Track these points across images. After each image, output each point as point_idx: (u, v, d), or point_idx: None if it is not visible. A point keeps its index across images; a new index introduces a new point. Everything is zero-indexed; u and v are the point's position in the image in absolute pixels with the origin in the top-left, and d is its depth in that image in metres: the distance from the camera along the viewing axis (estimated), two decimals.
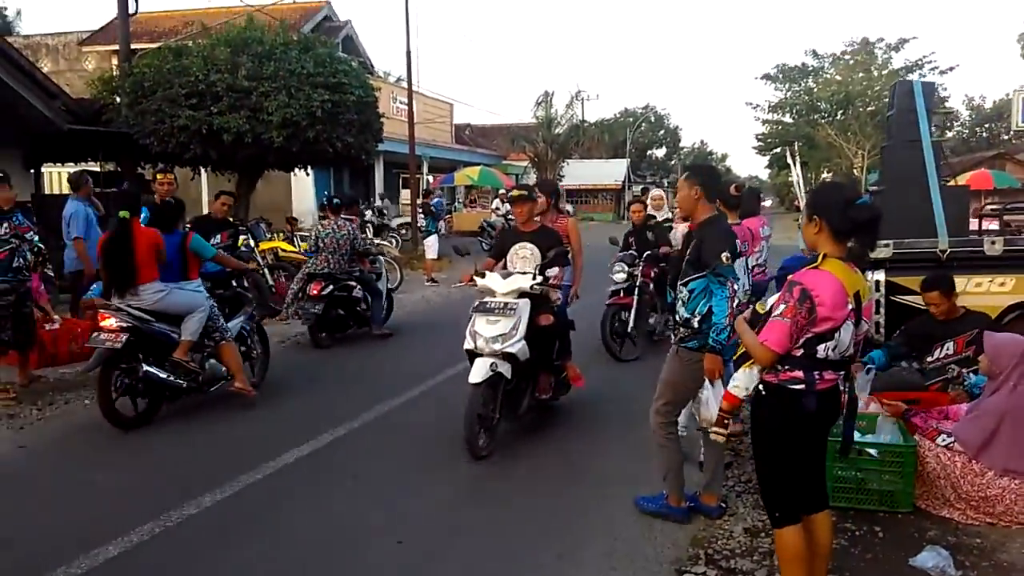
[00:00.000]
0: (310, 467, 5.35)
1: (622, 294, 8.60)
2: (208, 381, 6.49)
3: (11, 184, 7.01)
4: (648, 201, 9.96)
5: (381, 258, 10.79)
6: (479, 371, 5.29)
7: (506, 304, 5.54)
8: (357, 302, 9.80)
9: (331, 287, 9.21)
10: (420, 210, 19.56)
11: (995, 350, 4.51)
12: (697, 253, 4.16)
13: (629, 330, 8.48)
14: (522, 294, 5.64)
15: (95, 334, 5.98)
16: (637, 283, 8.50)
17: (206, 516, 4.52)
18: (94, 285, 6.93)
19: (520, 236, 6.07)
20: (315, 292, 9.09)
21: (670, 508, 4.44)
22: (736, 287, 4.07)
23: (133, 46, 18.04)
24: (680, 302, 4.25)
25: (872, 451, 4.58)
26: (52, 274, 8.68)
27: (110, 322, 5.92)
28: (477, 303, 5.69)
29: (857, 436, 4.78)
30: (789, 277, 3.22)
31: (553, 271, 5.88)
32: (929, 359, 5.47)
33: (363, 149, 16.66)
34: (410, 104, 22.43)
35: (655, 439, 4.45)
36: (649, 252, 8.62)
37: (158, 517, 4.42)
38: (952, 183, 7.91)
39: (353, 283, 9.63)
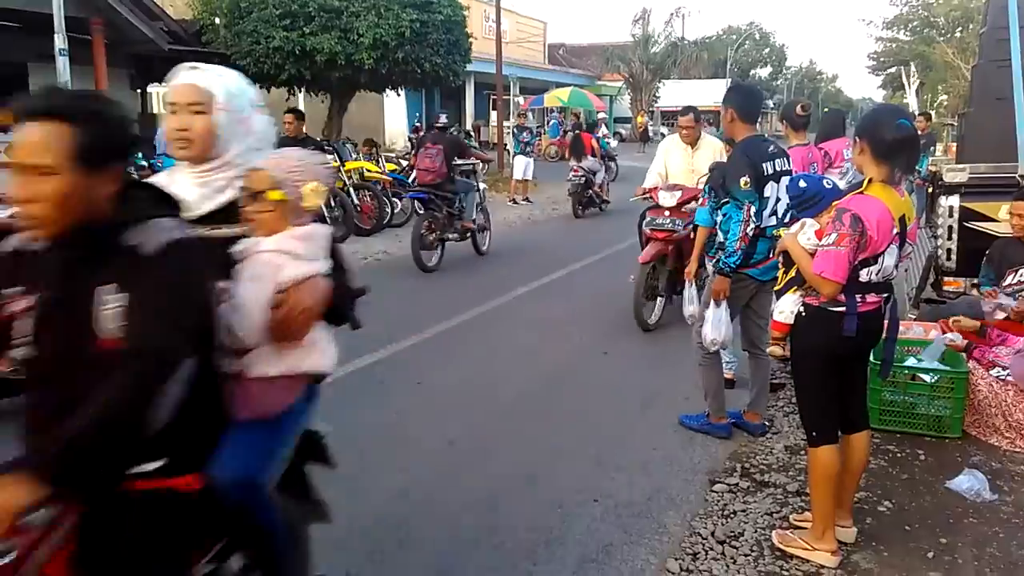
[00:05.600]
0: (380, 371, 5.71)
1: None
2: None
3: None
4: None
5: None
6: None
7: None
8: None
9: None
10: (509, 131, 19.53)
11: None
12: (723, 176, 4.20)
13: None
14: None
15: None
16: None
17: None
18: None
19: None
20: None
21: (711, 425, 4.57)
22: (753, 211, 4.07)
23: None
24: (718, 225, 4.32)
25: (926, 376, 4.58)
26: None
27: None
28: None
29: (912, 362, 4.79)
30: (836, 204, 3.18)
31: None
32: (1004, 283, 5.31)
33: (451, 70, 16.64)
34: (498, 21, 22.19)
35: (696, 359, 4.58)
36: None
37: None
38: None
39: None
